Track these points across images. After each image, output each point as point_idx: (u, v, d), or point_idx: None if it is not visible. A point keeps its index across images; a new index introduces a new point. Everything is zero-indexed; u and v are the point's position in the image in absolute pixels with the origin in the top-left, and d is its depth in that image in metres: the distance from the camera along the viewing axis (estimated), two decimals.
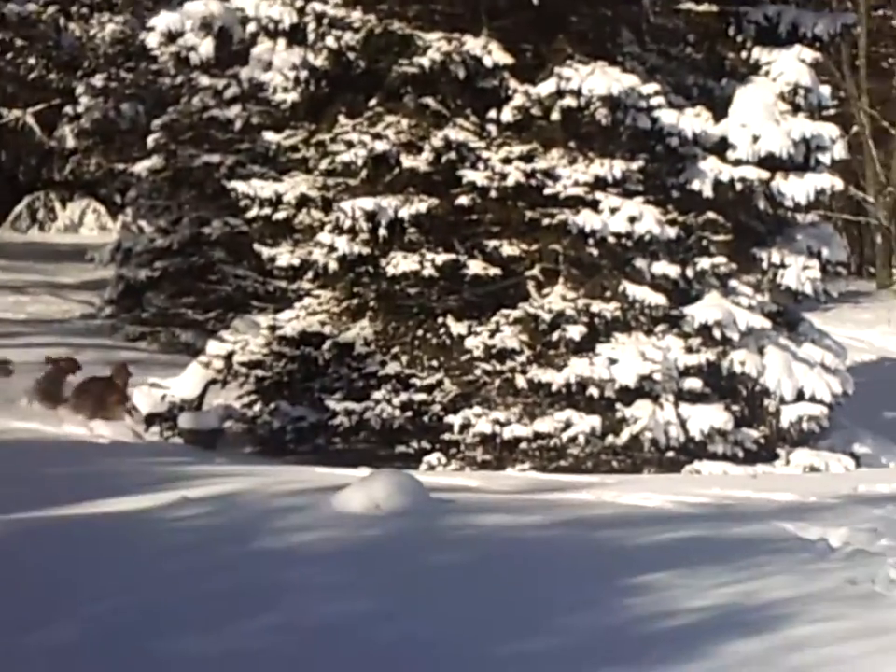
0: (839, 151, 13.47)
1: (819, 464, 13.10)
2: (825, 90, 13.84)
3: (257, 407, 13.86)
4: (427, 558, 6.90)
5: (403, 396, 13.21)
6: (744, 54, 13.93)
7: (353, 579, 6.33)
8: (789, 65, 13.40)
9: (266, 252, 14.30)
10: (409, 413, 13.22)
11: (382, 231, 12.90)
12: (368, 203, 12.82)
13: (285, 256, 13.90)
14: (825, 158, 13.41)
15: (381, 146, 12.92)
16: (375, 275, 13.37)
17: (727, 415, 13.02)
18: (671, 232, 13.05)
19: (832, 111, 38.67)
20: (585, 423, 12.67)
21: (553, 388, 12.69)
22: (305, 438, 13.48)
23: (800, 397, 13.25)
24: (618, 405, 12.79)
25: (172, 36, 13.98)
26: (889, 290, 35.92)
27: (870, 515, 9.13)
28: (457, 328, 13.30)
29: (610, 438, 12.79)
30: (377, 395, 13.15)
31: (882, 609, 6.10)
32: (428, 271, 12.98)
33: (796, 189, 13.24)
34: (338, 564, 6.63)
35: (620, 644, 5.54)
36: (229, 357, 13.92)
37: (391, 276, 13.15)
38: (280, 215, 13.91)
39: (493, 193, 12.99)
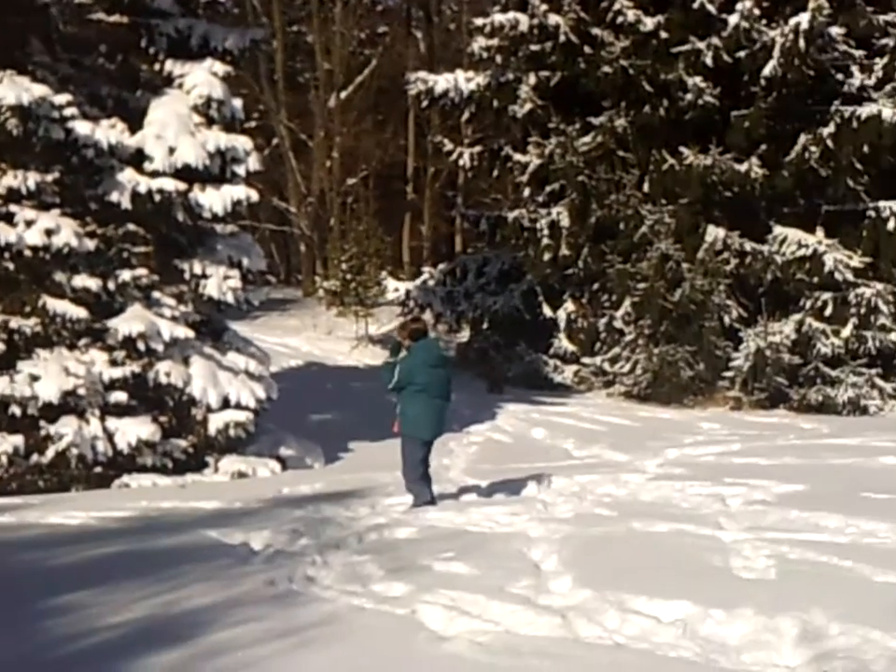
0: (254, 163, 13.88)
1: (247, 469, 13.47)
2: (238, 102, 14.14)
3: None
4: None
5: None
6: (157, 66, 13.95)
7: None
8: (201, 78, 13.60)
9: None
10: None
11: None
12: None
13: None
14: (241, 169, 13.78)
15: None
16: None
17: (155, 427, 13.04)
18: (90, 245, 12.83)
19: (253, 123, 40.10)
20: (8, 443, 12.16)
21: None
22: None
23: (226, 404, 13.52)
24: (42, 422, 12.39)
25: None
26: (314, 297, 37.51)
27: (291, 517, 9.60)
28: None
29: (35, 457, 12.36)
30: None
31: (299, 606, 6.43)
32: None
33: (214, 199, 13.49)
34: None
35: (35, 671, 5.40)
36: None
37: None
38: None
39: None
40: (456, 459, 14.27)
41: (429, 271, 28.98)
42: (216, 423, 13.45)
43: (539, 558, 7.54)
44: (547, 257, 24.51)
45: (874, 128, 21.40)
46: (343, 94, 41.80)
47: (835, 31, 21.67)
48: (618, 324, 23.48)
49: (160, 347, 13.08)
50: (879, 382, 21.46)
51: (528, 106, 24.66)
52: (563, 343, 24.43)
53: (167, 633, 5.87)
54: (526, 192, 26.52)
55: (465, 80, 25.64)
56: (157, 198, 13.20)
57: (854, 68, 22.45)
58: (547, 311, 24.91)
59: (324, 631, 5.91)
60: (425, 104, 26.45)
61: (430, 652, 5.52)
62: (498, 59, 25.31)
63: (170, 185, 13.19)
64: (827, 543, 7.61)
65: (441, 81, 25.76)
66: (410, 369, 9.97)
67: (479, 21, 25.22)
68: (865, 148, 21.67)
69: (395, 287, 28.40)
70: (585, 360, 24.28)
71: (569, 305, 24.64)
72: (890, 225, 21.94)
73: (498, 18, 24.32)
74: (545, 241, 24.46)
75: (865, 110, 21.56)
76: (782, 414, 21.07)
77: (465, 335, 28.39)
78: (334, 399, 18.76)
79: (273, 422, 14.74)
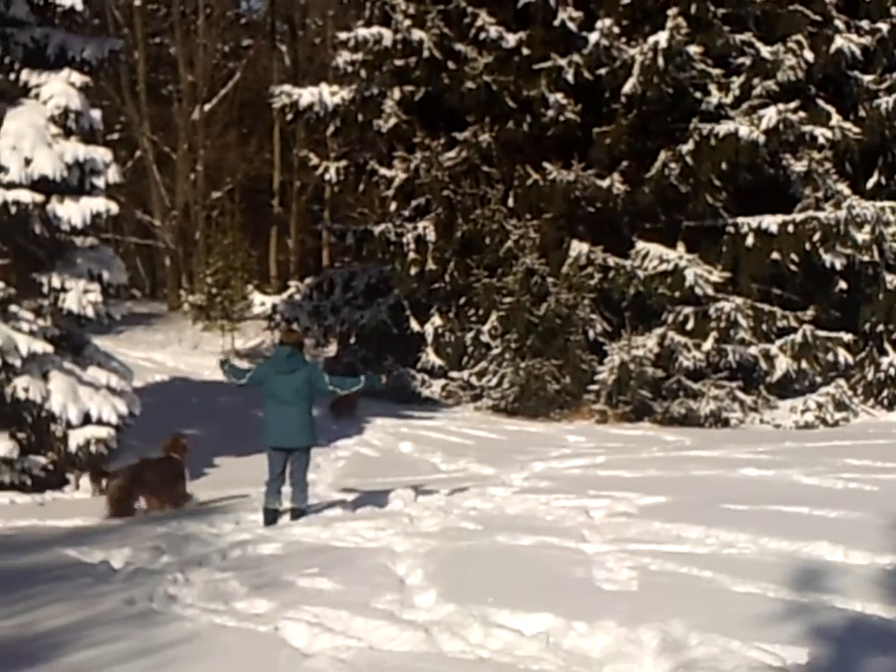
0: (114, 175, 13.62)
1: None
2: (97, 113, 13.84)
3: None
4: None
5: None
6: (13, 76, 13.56)
7: None
8: (58, 89, 13.26)
9: None
10: None
11: None
12: None
13: None
14: (100, 181, 13.50)
15: None
16: None
17: (13, 443, 12.69)
18: None
19: (115, 136, 39.43)
20: None
21: None
22: None
23: (87, 420, 13.21)
24: None
25: None
26: (179, 312, 37.03)
27: (153, 534, 9.44)
28: None
29: None
30: None
31: (159, 626, 6.31)
32: None
33: (73, 212, 13.18)
34: None
35: None
36: None
37: None
38: None
39: None
40: (323, 474, 14.20)
41: (296, 285, 28.84)
42: (76, 439, 13.13)
43: (403, 573, 7.55)
44: (414, 271, 24.59)
45: (731, 145, 21.99)
46: (207, 107, 41.45)
47: (693, 49, 22.15)
48: (485, 338, 23.65)
49: (17, 362, 12.70)
50: (740, 394, 22.00)
51: (393, 121, 24.71)
52: (430, 358, 24.51)
53: (23, 654, 5.73)
54: (392, 206, 26.62)
55: (329, 94, 25.59)
56: (13, 210, 12.83)
57: (712, 86, 23.01)
58: (414, 325, 24.99)
59: (184, 650, 5.81)
60: (289, 117, 26.30)
61: (292, 670, 5.48)
62: (363, 73, 25.36)
63: (27, 197, 12.82)
64: (688, 554, 7.77)
65: (306, 95, 25.67)
66: (257, 371, 10.56)
67: (343, 36, 25.24)
68: (724, 165, 22.25)
69: (261, 302, 28.18)
70: (453, 374, 24.40)
71: (436, 319, 24.75)
72: (749, 241, 22.57)
73: (362, 32, 24.32)
74: (411, 255, 24.54)
75: (723, 128, 22.15)
76: (646, 427, 21.46)
77: (332, 349, 28.31)
78: (200, 415, 18.47)
79: (136, 438, 14.45)
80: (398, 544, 8.54)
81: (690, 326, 22.31)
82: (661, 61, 21.65)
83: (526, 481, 12.75)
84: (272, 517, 10.17)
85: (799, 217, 22.59)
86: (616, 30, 22.38)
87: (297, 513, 10.25)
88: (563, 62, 22.75)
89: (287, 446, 10.19)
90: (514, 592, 6.73)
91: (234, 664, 5.61)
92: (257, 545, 8.80)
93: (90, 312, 13.57)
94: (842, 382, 22.31)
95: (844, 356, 22.65)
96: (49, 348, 13.13)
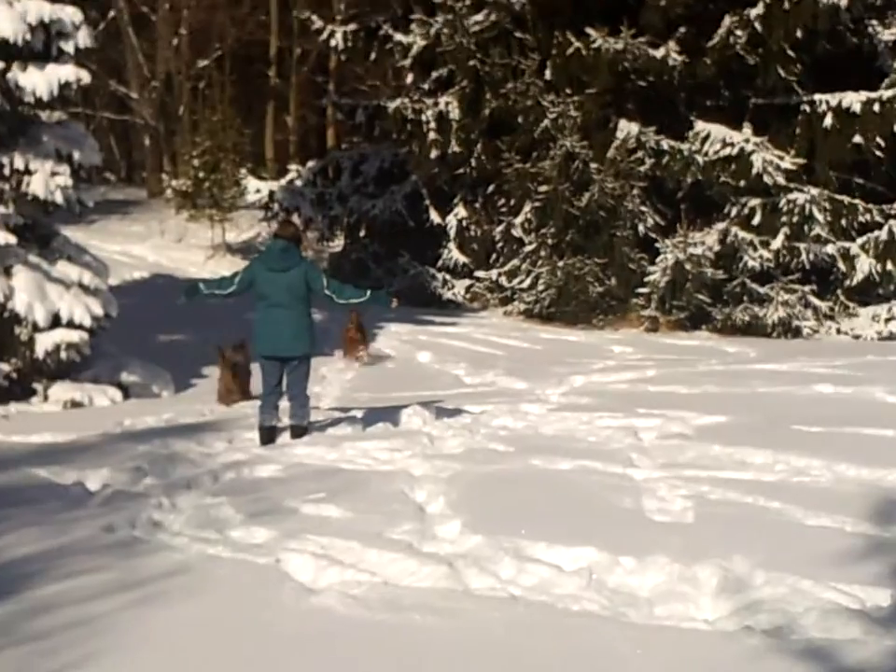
0: (84, 39, 13.50)
1: (83, 398, 13.32)
2: None
3: None
4: None
5: None
6: None
7: None
8: None
9: None
10: None
11: None
12: None
13: None
14: (69, 46, 13.41)
15: None
16: None
17: None
18: None
19: None
20: None
21: None
22: None
23: (56, 322, 13.29)
24: None
25: None
26: (161, 199, 36.98)
27: (134, 453, 9.47)
28: None
29: None
30: None
31: (143, 556, 6.34)
32: None
33: (37, 81, 13.11)
34: None
35: None
36: None
37: None
38: None
39: None
40: (329, 387, 14.25)
41: (297, 169, 28.76)
42: (44, 344, 13.20)
43: (423, 500, 7.57)
44: (434, 154, 24.46)
45: (808, 9, 21.63)
46: None
47: None
48: (517, 232, 23.60)
49: None
50: (813, 300, 21.95)
51: None
52: (453, 255, 24.51)
53: None
54: (409, 79, 26.38)
55: None
56: None
57: None
58: (434, 216, 24.93)
59: (172, 583, 5.85)
60: None
61: (297, 607, 5.51)
62: None
63: None
64: (752, 482, 7.75)
65: None
66: (247, 271, 10.32)
67: None
68: (798, 33, 21.89)
69: (256, 188, 28.13)
70: (479, 274, 24.40)
71: (460, 210, 24.69)
72: (827, 122, 22.29)
73: None
74: (432, 135, 24.40)
75: None
76: (704, 336, 21.47)
77: (338, 244, 28.27)
78: (186, 318, 18.49)
79: (113, 343, 14.51)
80: (416, 467, 8.55)
81: (757, 220, 22.19)
82: None
83: (565, 396, 12.74)
84: (269, 435, 10.21)
85: (886, 93, 22.24)
86: None
87: (297, 431, 10.29)
88: None
89: (282, 355, 10.17)
90: (551, 522, 6.74)
91: (230, 599, 5.64)
92: (253, 466, 8.83)
93: (58, 197, 13.56)
94: None
95: None
96: (13, 239, 13.16)
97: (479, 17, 23.82)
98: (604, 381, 14.31)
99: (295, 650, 4.96)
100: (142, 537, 6.81)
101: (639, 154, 22.65)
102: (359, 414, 11.47)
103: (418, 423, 10.84)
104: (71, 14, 13.38)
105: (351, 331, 16.64)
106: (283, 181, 28.22)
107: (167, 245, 31.87)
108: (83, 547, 6.53)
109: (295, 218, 25.95)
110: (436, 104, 24.49)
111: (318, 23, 27.05)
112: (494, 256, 24.19)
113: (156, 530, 6.96)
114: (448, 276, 24.38)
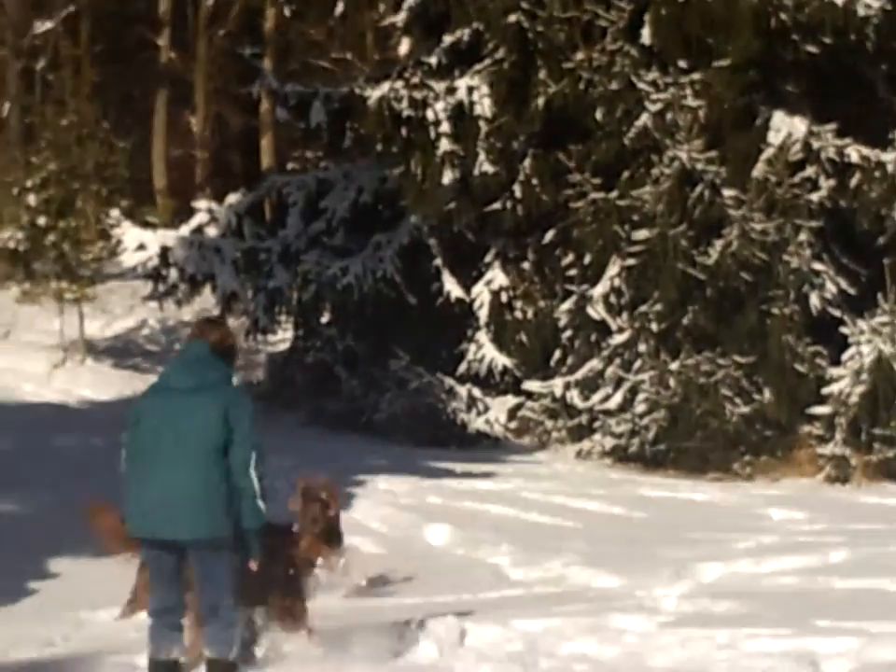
0: None
1: None
2: None
3: None
4: None
5: None
6: None
7: None
8: None
9: None
10: None
11: None
12: None
13: None
14: None
15: None
16: None
17: None
18: None
19: None
20: None
21: None
22: None
23: None
24: None
25: None
26: None
27: None
28: None
29: None
30: None
31: None
32: None
33: None
34: None
35: None
36: None
37: None
38: None
39: None
40: None
41: (209, 208, 29.03)
42: None
43: None
44: (449, 177, 24.49)
45: None
46: None
47: None
48: (597, 312, 23.56)
49: None
50: None
51: None
52: (486, 353, 24.58)
53: None
54: (404, 47, 26.57)
55: None
56: None
57: None
58: (452, 287, 24.98)
59: None
60: None
61: None
62: None
63: None
64: None
65: None
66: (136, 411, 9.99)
67: None
68: None
69: (139, 243, 28.20)
70: (531, 386, 24.38)
71: (497, 275, 24.79)
72: None
73: None
74: (445, 145, 24.46)
75: None
76: None
77: (283, 338, 28.35)
78: (15, 472, 18.46)
79: None
80: None
81: None
82: None
83: (688, 600, 12.87)
84: None
85: None
86: None
87: (217, 668, 10.10)
88: None
89: (172, 538, 9.94)
90: None
91: None
92: None
93: None
94: None
95: None
96: None
97: None
98: (756, 572, 14.48)
99: None
100: None
101: (809, 172, 22.69)
102: (329, 636, 11.31)
103: (433, 651, 10.86)
104: None
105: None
106: (184, 229, 28.40)
107: None
108: None
109: (215, 315, 25.38)
110: (451, 91, 24.56)
111: None
112: (557, 354, 24.19)
113: None
114: (477, 391, 24.34)
